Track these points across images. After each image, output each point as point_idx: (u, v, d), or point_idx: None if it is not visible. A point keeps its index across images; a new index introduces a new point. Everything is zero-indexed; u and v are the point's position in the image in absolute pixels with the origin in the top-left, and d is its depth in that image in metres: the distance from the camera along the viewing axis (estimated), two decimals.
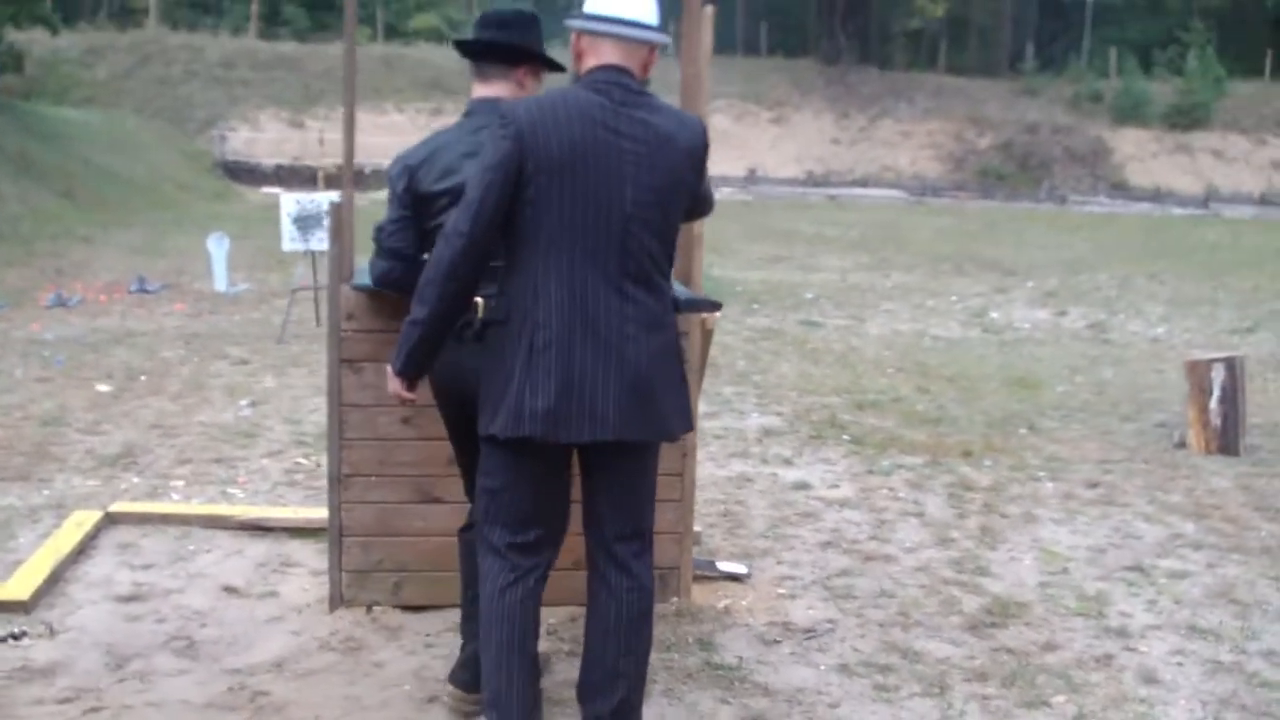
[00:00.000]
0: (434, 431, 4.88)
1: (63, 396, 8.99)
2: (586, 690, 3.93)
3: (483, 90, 4.26)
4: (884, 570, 5.92)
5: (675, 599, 5.26)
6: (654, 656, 4.71)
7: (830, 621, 5.25)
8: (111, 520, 6.09)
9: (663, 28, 3.75)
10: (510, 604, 3.77)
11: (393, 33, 50.81)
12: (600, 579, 3.88)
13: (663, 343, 3.72)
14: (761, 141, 46.40)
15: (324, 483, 6.79)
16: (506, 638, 3.76)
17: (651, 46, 3.73)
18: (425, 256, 3.95)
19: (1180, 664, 5.03)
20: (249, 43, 46.94)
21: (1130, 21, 59.45)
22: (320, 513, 6.03)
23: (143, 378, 9.81)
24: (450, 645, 4.74)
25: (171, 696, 4.34)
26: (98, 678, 4.47)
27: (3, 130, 26.60)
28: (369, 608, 5.03)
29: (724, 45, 43.06)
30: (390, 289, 4.32)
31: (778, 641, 5.01)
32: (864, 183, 44.18)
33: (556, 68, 4.36)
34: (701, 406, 7.16)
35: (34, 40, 36.75)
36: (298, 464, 7.36)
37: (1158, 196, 43.95)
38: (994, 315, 15.41)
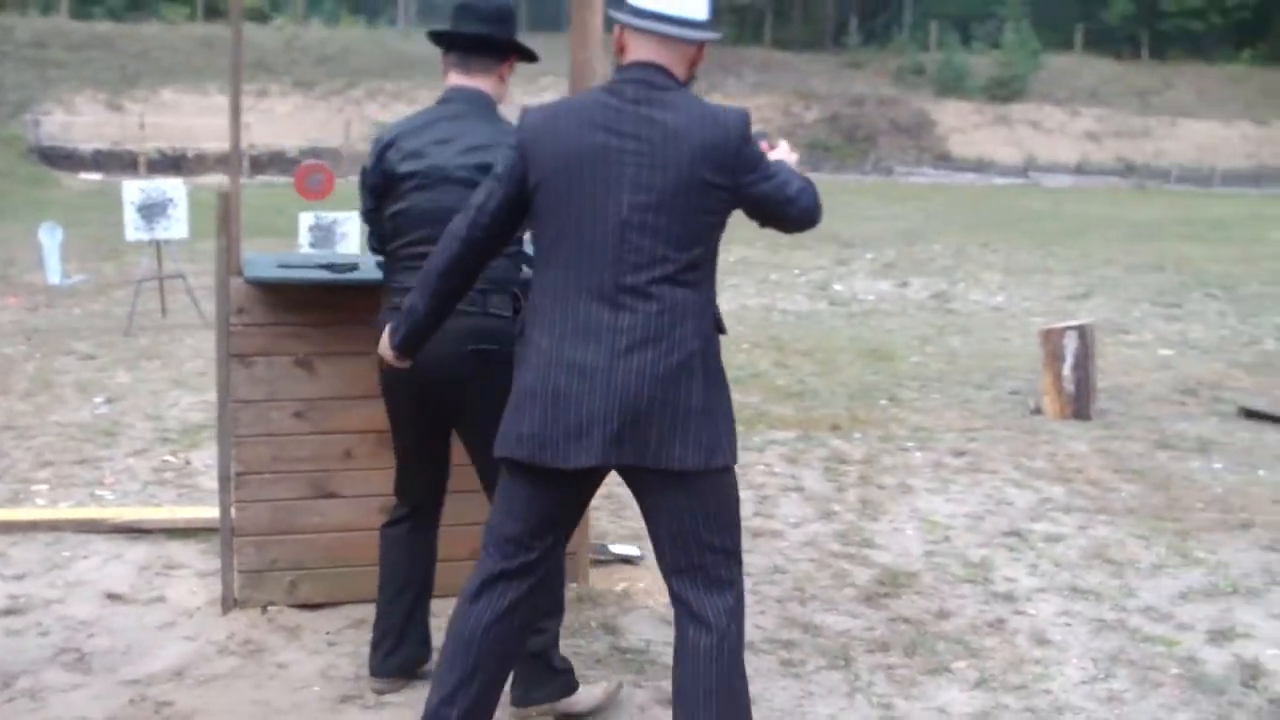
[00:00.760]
0: (328, 425, 4.83)
1: None
2: None
3: (461, 80, 4.14)
4: (773, 546, 5.98)
5: (574, 584, 5.24)
6: (562, 642, 4.72)
7: None
8: None
9: (713, 24, 3.51)
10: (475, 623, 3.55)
11: (213, 12, 49.71)
12: (675, 619, 3.60)
13: (672, 360, 3.33)
14: None
15: (196, 480, 6.67)
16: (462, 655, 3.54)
17: (698, 45, 3.48)
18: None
19: (1068, 624, 5.17)
20: (61, 22, 45.58)
21: None
22: (200, 512, 5.91)
23: None
24: (355, 641, 4.67)
25: (68, 714, 4.14)
26: None
27: None
28: (264, 608, 4.92)
29: (554, 25, 43.07)
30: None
31: None
32: None
33: (532, 59, 4.28)
34: None
35: None
36: (166, 461, 7.18)
37: (980, 167, 44.97)
38: (838, 288, 15.64)
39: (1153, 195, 39.35)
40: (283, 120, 40.74)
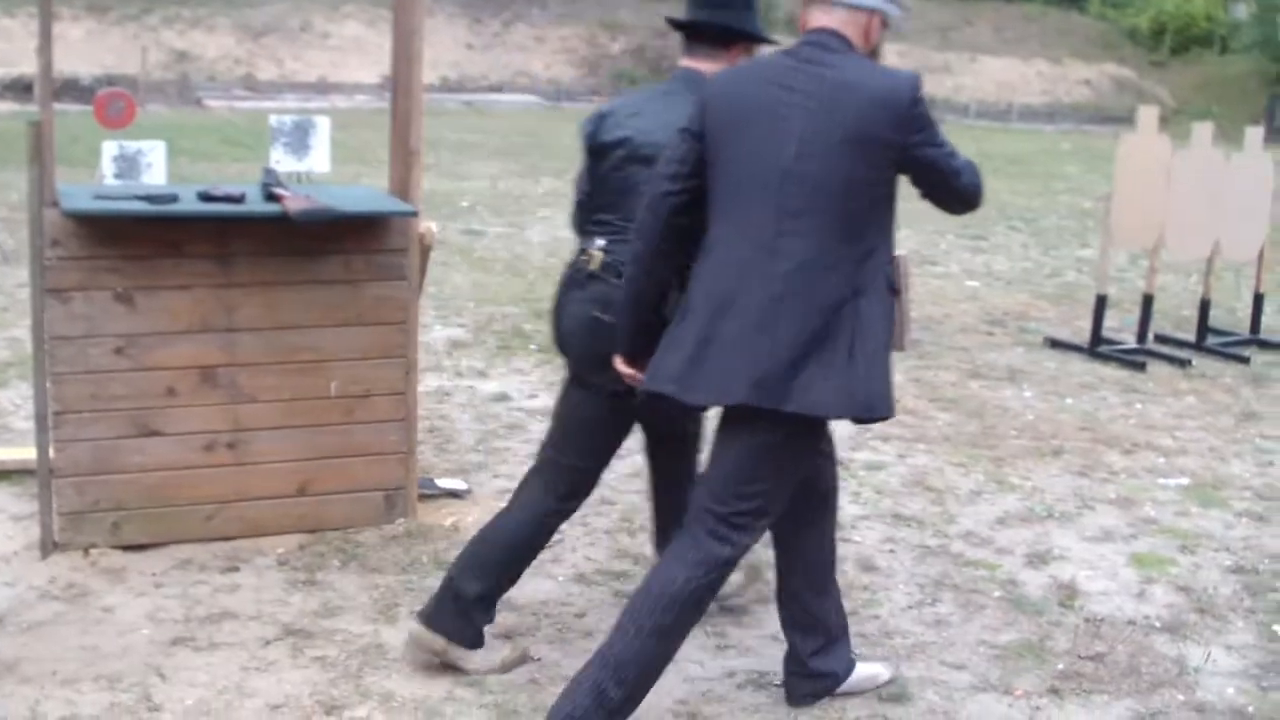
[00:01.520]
0: (149, 361, 4.71)
1: None
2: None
3: (686, 62, 4.11)
4: (600, 477, 5.97)
5: (403, 519, 5.20)
6: (393, 579, 4.70)
7: (558, 532, 5.27)
8: None
9: None
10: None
11: None
12: (678, 535, 3.73)
13: (815, 308, 3.41)
14: None
15: (5, 420, 6.43)
16: None
17: (870, 13, 3.59)
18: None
19: (893, 551, 5.30)
20: None
21: None
22: (11, 453, 5.70)
23: None
24: (182, 582, 4.58)
25: None
26: None
27: None
28: (86, 551, 4.78)
29: None
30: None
31: None
32: (499, 88, 44.07)
33: (770, 42, 4.15)
34: None
35: None
36: None
37: None
38: None
39: (954, 130, 39.92)
40: (75, 46, 39.24)
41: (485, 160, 21.58)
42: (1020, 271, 12.85)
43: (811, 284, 3.41)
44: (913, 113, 3.45)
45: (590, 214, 4.14)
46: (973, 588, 4.97)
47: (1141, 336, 9.40)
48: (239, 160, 17.82)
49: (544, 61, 48.21)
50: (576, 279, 4.08)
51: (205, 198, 4.75)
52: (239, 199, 4.74)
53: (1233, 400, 8.12)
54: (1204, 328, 9.63)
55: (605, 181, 4.06)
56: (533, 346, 8.49)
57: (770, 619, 4.46)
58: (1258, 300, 10.08)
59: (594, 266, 3.99)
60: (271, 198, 4.78)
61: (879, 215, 3.54)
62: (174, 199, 4.64)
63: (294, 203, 4.68)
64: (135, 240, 4.62)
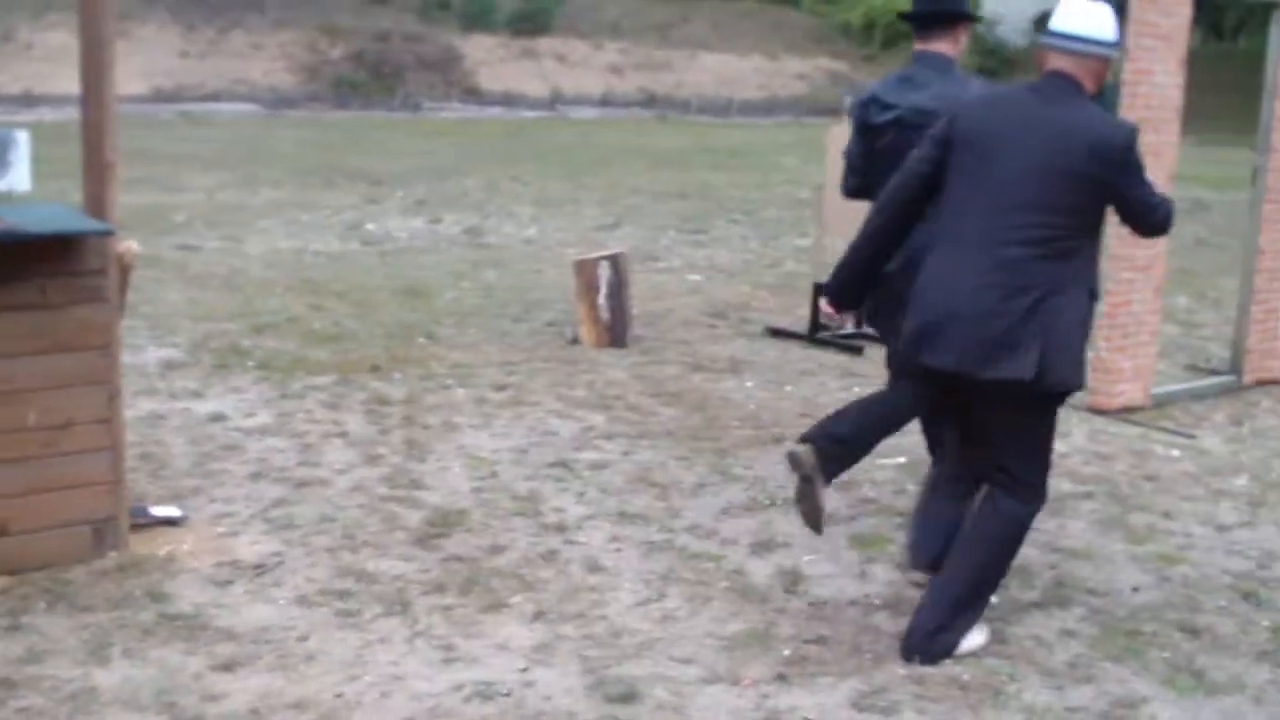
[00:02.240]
0: None
1: None
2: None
3: (924, 45, 5.19)
4: (321, 495, 5.86)
5: (114, 552, 4.99)
6: (104, 616, 4.51)
7: (277, 554, 5.15)
8: None
9: (1117, 44, 4.44)
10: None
11: None
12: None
13: (1023, 302, 4.17)
14: None
15: None
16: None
17: (1100, 60, 4.36)
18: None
19: (619, 549, 5.31)
20: None
21: None
22: None
23: None
24: None
25: None
26: None
27: None
28: None
29: None
30: (850, 196, 5.35)
31: (230, 582, 4.86)
32: (217, 97, 42.99)
33: (977, 20, 5.59)
34: None
35: None
36: None
37: (508, 100, 45.41)
38: (370, 227, 15.45)
39: (675, 125, 40.74)
40: None
41: (201, 172, 21.00)
42: (741, 263, 13.09)
43: (1026, 284, 4.18)
44: (1124, 159, 4.25)
45: (867, 182, 5.13)
46: (699, 580, 5.02)
47: (858, 321, 9.62)
48: None
49: (263, 68, 47.28)
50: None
51: None
52: None
53: None
54: None
55: (881, 154, 5.03)
56: (250, 364, 8.26)
57: (497, 628, 4.44)
58: None
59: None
60: None
61: (1084, 233, 4.31)
62: None
63: None
64: None
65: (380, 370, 8.17)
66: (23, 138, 7.52)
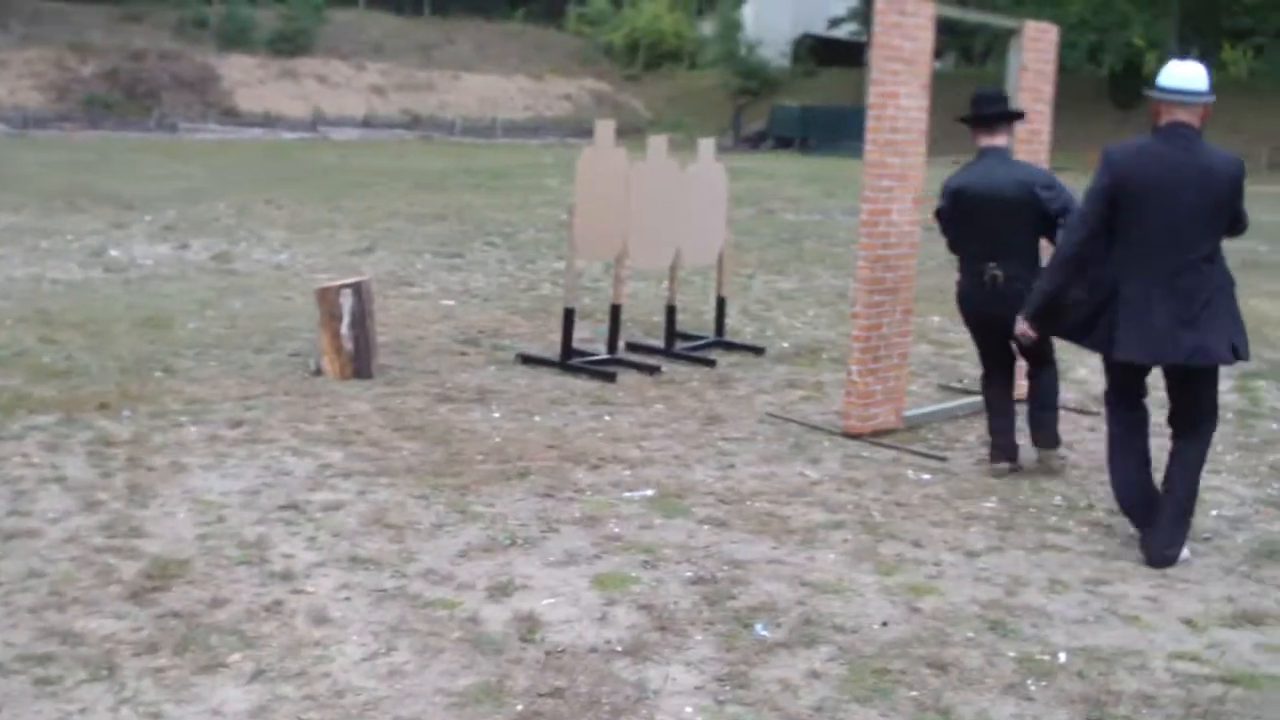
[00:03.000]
0: None
1: None
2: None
3: (988, 140, 6.94)
4: (29, 547, 5.42)
5: None
6: None
7: None
8: None
9: (1212, 90, 5.63)
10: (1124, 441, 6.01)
11: None
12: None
13: (1198, 305, 5.56)
14: None
15: None
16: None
17: (1206, 105, 5.61)
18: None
19: (348, 598, 5.01)
20: None
21: None
22: None
23: None
24: None
25: None
26: None
27: None
28: None
29: None
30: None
31: None
32: None
33: (1022, 117, 7.47)
34: None
35: None
36: None
37: (268, 122, 44.55)
38: (114, 253, 14.82)
39: (438, 146, 40.40)
40: None
41: None
42: (497, 287, 12.87)
43: (1198, 295, 5.57)
44: (1241, 185, 5.66)
45: (963, 243, 6.97)
46: (431, 630, 4.74)
47: (612, 346, 9.50)
48: None
49: (8, 87, 45.49)
50: (982, 282, 6.86)
51: None
52: None
53: (699, 404, 8.30)
54: (671, 334, 9.85)
55: (969, 224, 6.87)
56: None
57: (212, 691, 4.12)
58: (720, 304, 10.40)
59: (1000, 278, 6.78)
60: None
61: (1219, 245, 5.69)
62: None
63: None
64: None
65: (109, 408, 7.71)
66: None
